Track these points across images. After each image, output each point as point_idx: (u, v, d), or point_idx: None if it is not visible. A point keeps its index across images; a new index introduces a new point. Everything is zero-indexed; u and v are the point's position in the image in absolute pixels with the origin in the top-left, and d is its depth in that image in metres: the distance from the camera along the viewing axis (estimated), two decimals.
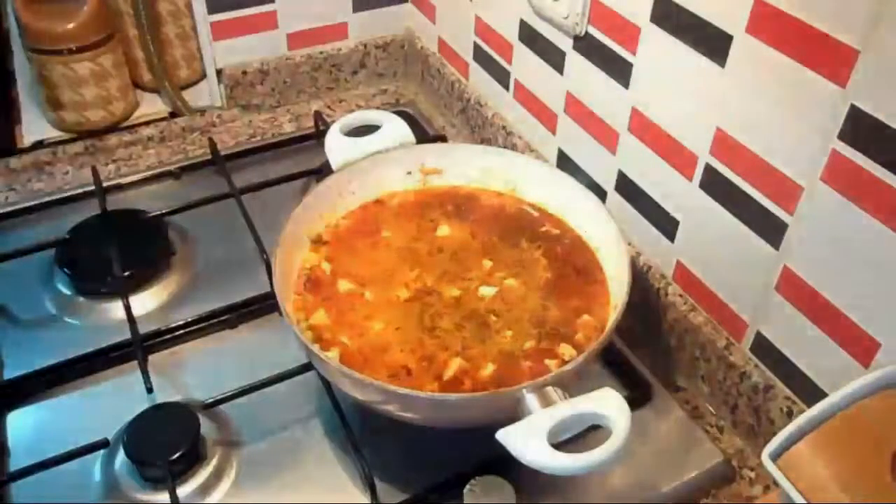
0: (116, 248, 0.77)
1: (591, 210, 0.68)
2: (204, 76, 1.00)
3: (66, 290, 0.76)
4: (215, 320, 0.73)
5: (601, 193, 0.76)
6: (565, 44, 0.76)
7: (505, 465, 0.54)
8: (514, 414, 0.51)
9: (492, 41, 0.90)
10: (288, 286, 0.64)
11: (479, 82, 0.96)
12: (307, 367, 0.65)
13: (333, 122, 0.76)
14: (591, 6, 0.70)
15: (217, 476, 0.61)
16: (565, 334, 0.61)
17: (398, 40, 1.08)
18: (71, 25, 0.86)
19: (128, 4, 0.91)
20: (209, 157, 0.91)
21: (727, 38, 0.56)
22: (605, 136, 0.74)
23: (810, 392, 0.59)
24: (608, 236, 0.66)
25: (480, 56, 0.93)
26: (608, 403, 0.50)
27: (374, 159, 0.73)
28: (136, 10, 0.91)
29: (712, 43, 0.58)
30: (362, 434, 0.62)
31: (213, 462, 0.61)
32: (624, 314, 0.58)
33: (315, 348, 0.56)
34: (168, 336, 0.71)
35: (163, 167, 0.93)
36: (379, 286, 0.66)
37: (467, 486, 0.54)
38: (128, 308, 0.71)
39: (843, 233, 0.52)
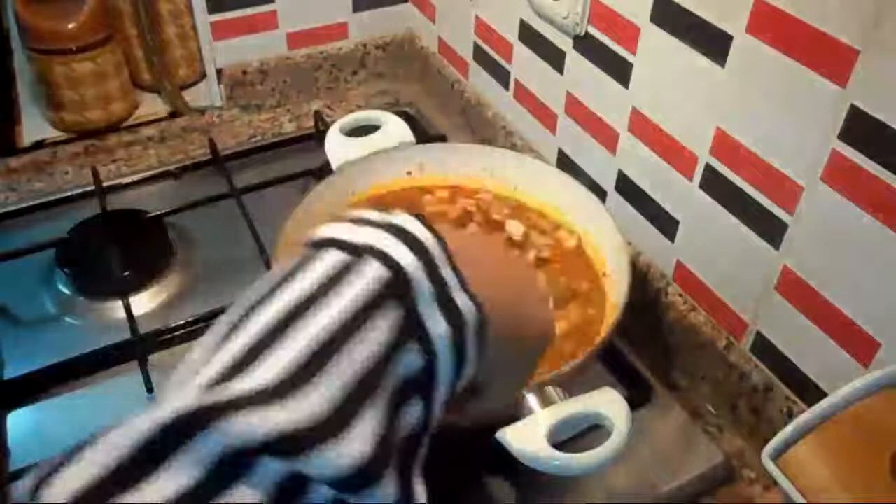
0: (116, 247, 0.77)
1: (592, 210, 0.68)
2: (204, 76, 1.00)
3: (66, 290, 0.76)
4: (215, 320, 0.73)
5: (601, 193, 0.76)
6: (565, 44, 0.76)
7: (505, 465, 0.54)
8: (514, 414, 0.51)
9: (492, 41, 0.90)
10: None
11: (479, 82, 0.96)
12: None
13: (333, 122, 0.76)
14: (591, 6, 0.70)
15: None
16: None
17: (398, 40, 1.08)
18: (71, 25, 0.86)
19: (128, 4, 0.91)
20: (209, 157, 0.91)
21: (727, 38, 0.56)
22: (605, 136, 0.74)
23: (810, 392, 0.59)
24: (608, 236, 0.66)
25: (480, 56, 0.93)
26: (608, 403, 0.50)
27: (374, 159, 0.73)
28: (136, 10, 0.91)
29: (712, 43, 0.58)
30: None
31: None
32: (624, 314, 0.58)
33: None
34: (168, 336, 0.71)
35: (163, 167, 0.92)
36: None
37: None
38: (128, 308, 0.71)
39: (843, 233, 0.52)
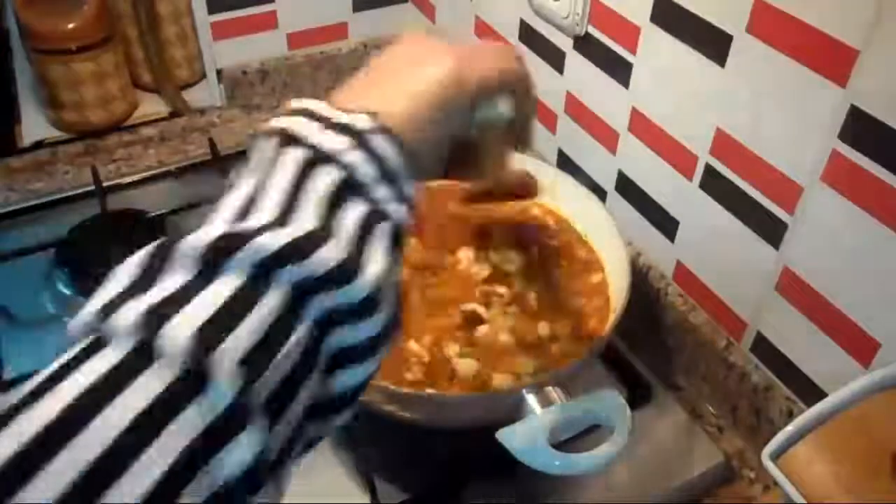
0: (116, 247, 0.77)
1: (592, 210, 0.68)
2: (204, 76, 1.00)
3: (66, 290, 0.76)
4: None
5: (601, 193, 0.76)
6: (565, 44, 0.76)
7: (505, 465, 0.54)
8: (514, 414, 0.51)
9: (492, 41, 0.90)
10: None
11: None
12: None
13: None
14: (591, 6, 0.70)
15: None
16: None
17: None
18: (71, 25, 0.86)
19: (128, 4, 0.91)
20: (209, 157, 0.91)
21: (727, 38, 0.57)
22: (605, 136, 0.74)
23: (810, 392, 0.59)
24: (608, 237, 0.66)
25: None
26: (608, 403, 0.50)
27: None
28: (136, 10, 0.91)
29: (712, 43, 0.58)
30: (362, 434, 0.62)
31: None
32: (624, 314, 0.58)
33: None
34: None
35: (163, 167, 0.92)
36: None
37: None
38: None
39: (843, 233, 0.52)
